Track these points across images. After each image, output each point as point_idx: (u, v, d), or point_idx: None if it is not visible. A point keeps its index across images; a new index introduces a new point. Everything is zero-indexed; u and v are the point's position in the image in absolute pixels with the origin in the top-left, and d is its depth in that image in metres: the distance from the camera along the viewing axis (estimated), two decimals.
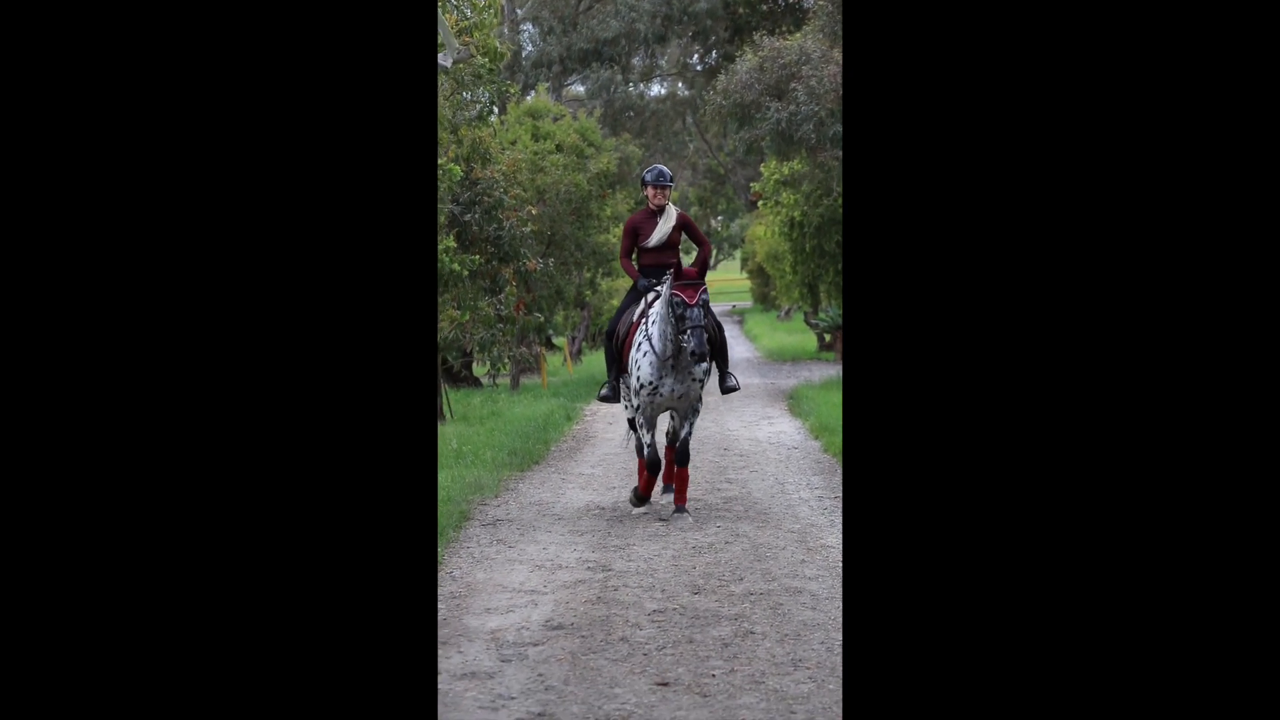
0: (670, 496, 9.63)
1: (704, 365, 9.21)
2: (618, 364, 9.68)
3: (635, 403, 9.41)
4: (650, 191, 9.77)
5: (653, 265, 9.61)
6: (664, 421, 10.38)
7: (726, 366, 9.73)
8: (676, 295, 8.96)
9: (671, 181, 9.87)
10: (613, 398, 9.82)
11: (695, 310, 8.88)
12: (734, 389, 9.72)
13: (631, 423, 9.93)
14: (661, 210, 9.75)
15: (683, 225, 9.77)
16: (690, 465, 10.03)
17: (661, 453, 9.78)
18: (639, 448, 9.72)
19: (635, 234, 9.72)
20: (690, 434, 9.40)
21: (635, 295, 9.78)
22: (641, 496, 9.54)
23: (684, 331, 8.90)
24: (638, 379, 9.25)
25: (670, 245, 9.68)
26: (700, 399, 9.41)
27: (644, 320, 9.37)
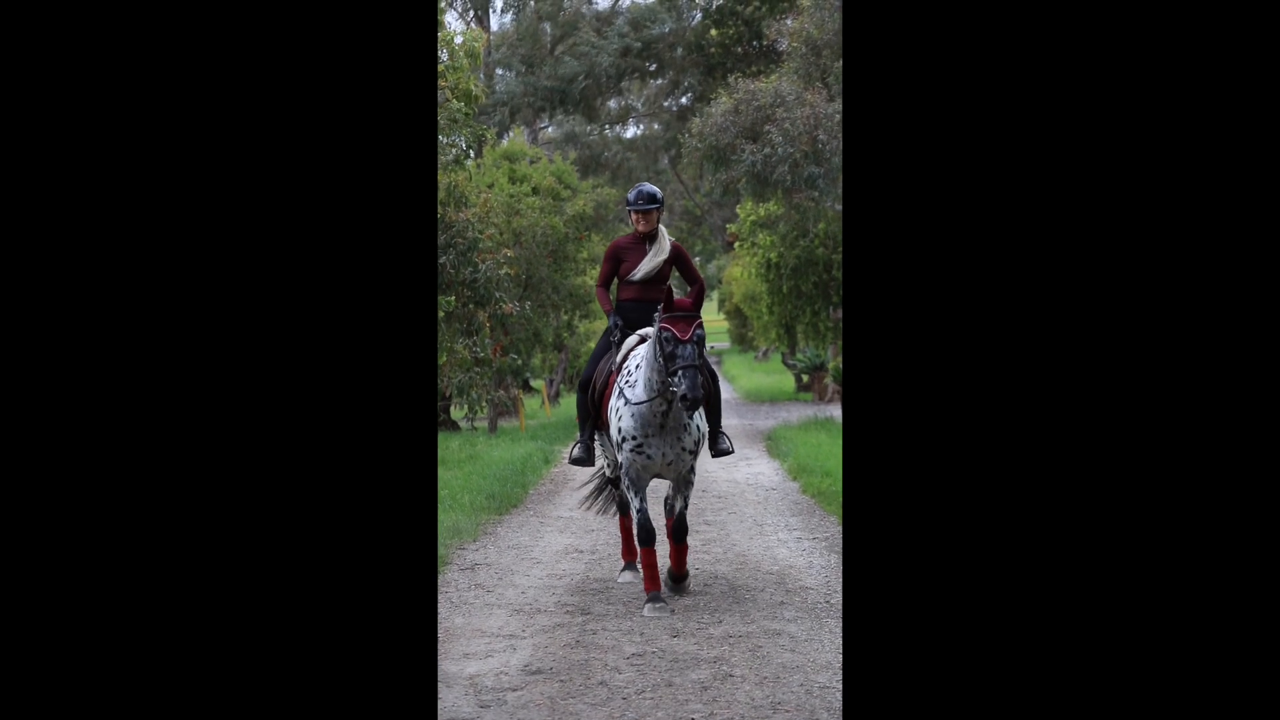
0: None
1: (695, 435, 7.71)
2: (593, 419, 8.21)
3: (619, 459, 7.91)
4: (634, 216, 8.19)
5: (635, 301, 8.21)
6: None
7: (719, 425, 8.14)
8: (666, 329, 7.34)
9: (660, 202, 8.21)
10: (586, 459, 8.31)
11: (688, 348, 7.25)
12: (726, 452, 8.16)
13: (610, 483, 8.79)
14: (651, 237, 8.22)
15: (675, 259, 8.26)
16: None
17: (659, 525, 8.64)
18: (621, 505, 8.48)
19: (617, 261, 8.24)
20: (686, 507, 7.98)
21: (609, 342, 8.33)
22: (630, 565, 8.39)
23: (674, 373, 7.26)
24: (619, 430, 7.72)
25: (659, 279, 8.20)
26: (693, 470, 7.89)
27: (623, 370, 7.88)
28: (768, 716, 5.58)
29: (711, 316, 54.93)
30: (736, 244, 29.02)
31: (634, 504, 7.80)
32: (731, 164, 20.16)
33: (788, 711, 5.62)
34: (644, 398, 7.57)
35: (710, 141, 20.34)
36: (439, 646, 6.82)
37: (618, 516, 8.59)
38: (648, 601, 7.66)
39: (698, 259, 52.30)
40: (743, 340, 43.63)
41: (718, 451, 8.10)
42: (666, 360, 7.34)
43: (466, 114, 13.84)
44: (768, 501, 12.31)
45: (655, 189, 8.25)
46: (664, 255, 8.17)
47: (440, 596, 8.09)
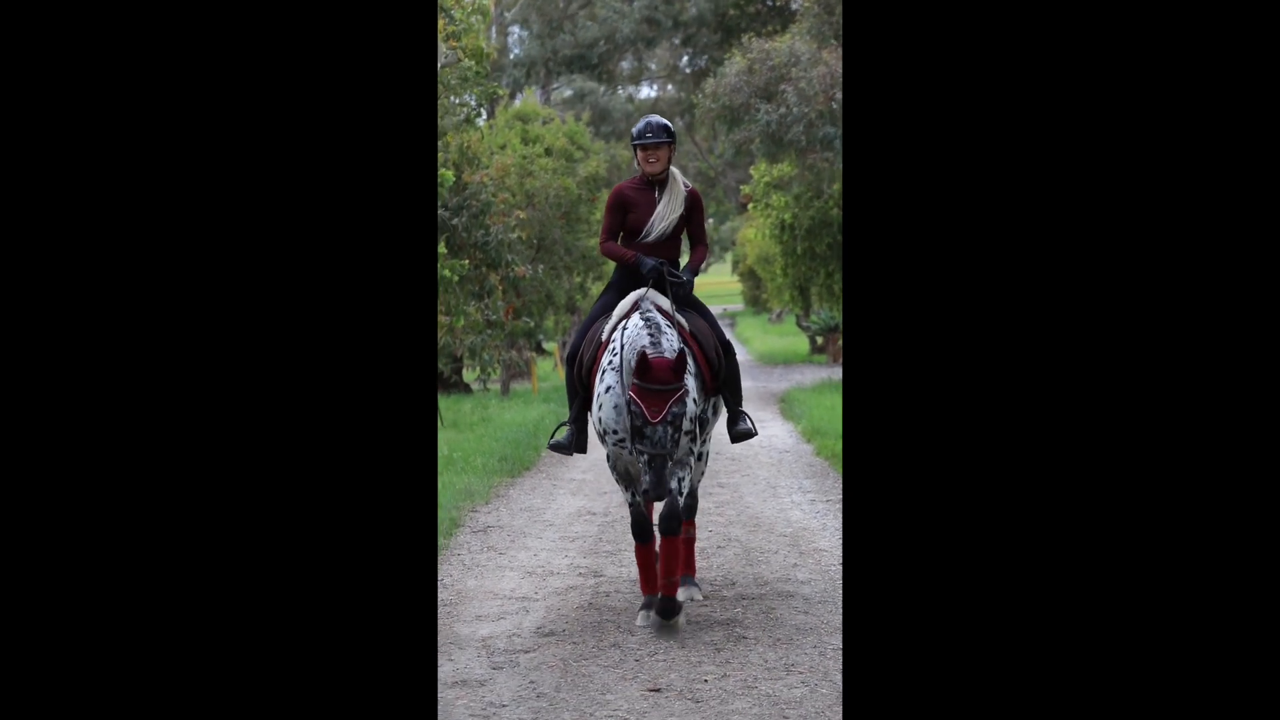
0: (689, 591, 6.76)
1: (690, 412, 6.12)
2: (581, 398, 6.63)
3: (605, 451, 6.51)
4: (640, 155, 6.53)
5: None
6: None
7: (739, 402, 6.69)
8: (635, 403, 5.94)
9: (671, 136, 6.54)
10: (566, 446, 6.66)
11: (658, 430, 5.89)
12: (748, 434, 6.62)
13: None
14: (662, 183, 6.56)
15: (690, 209, 6.63)
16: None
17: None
18: (638, 528, 6.49)
19: (623, 211, 6.58)
20: (684, 493, 6.33)
21: (609, 301, 6.73)
22: (651, 599, 6.37)
23: (641, 454, 5.95)
24: (599, 420, 6.32)
25: (674, 236, 6.64)
26: (694, 452, 6.44)
27: (614, 340, 6.33)
28: (781, 678, 5.56)
29: (725, 279, 54.83)
30: (750, 205, 28.90)
31: (625, 498, 6.52)
32: (745, 124, 20.05)
33: (801, 673, 5.60)
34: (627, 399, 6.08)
35: (724, 102, 20.23)
36: (451, 609, 6.81)
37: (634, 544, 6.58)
38: (641, 608, 6.39)
39: (710, 220, 51.85)
40: (756, 302, 43.54)
41: (737, 434, 6.65)
42: (634, 436, 5.99)
43: (478, 73, 13.73)
44: (781, 464, 12.29)
45: (666, 120, 6.61)
46: (680, 208, 6.56)
47: (452, 559, 8.08)
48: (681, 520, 6.33)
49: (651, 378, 5.92)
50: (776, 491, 10.53)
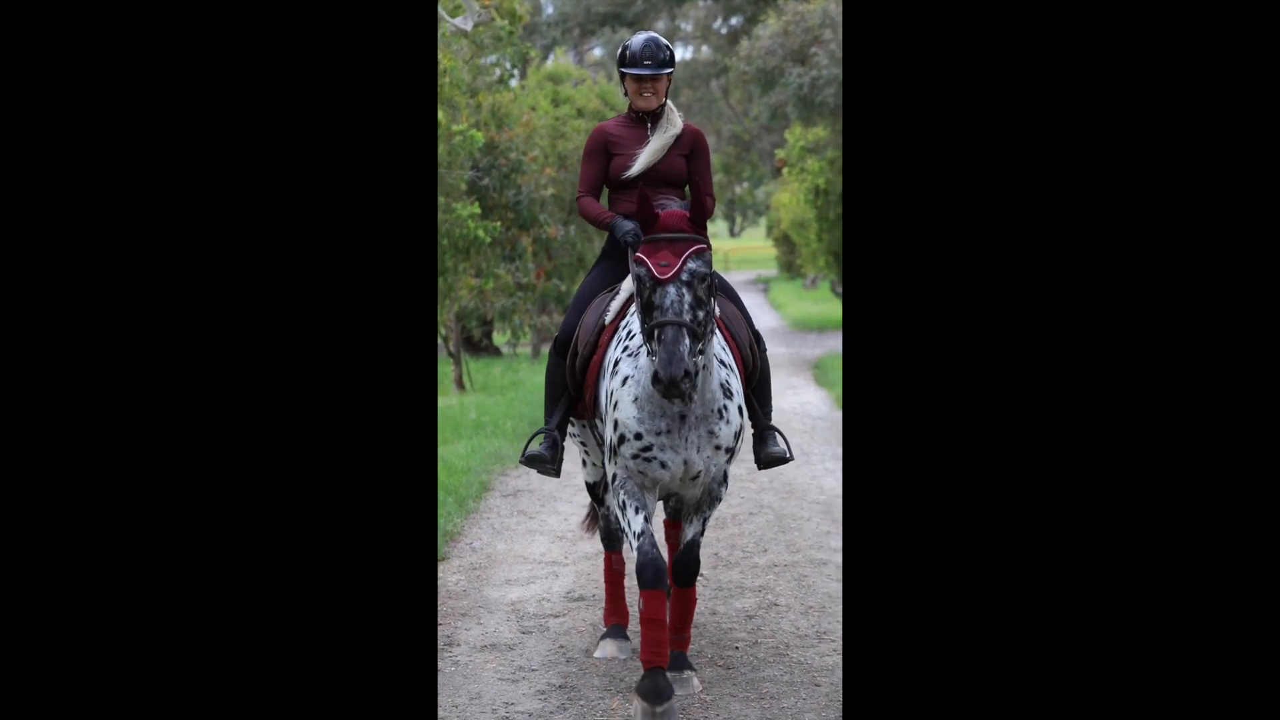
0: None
1: (736, 425, 4.82)
2: (571, 396, 5.25)
3: (611, 469, 4.92)
4: (631, 87, 5.20)
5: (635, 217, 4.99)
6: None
7: (768, 413, 5.26)
8: (641, 262, 4.62)
9: (670, 62, 5.18)
10: (545, 459, 5.24)
11: (670, 292, 4.53)
12: (780, 459, 5.19)
13: (593, 489, 5.70)
14: (654, 116, 5.23)
15: (693, 150, 5.26)
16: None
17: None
18: (606, 535, 5.53)
19: (607, 156, 5.25)
20: (702, 534, 5.03)
21: (605, 272, 5.37)
22: (615, 628, 5.49)
23: (650, 333, 4.56)
24: (615, 425, 4.84)
25: (671, 180, 5.23)
26: (726, 478, 4.96)
27: (622, 329, 4.99)
28: (812, 645, 5.51)
29: (759, 243, 54.48)
30: (785, 169, 28.74)
31: (631, 528, 4.82)
32: (779, 87, 19.89)
33: (833, 641, 5.54)
34: (650, 375, 4.63)
35: (758, 64, 20.06)
36: (481, 573, 6.78)
37: (605, 557, 5.58)
38: (602, 637, 5.43)
39: (745, 184, 50.99)
40: (790, 268, 43.36)
41: (767, 458, 5.21)
42: (644, 313, 4.60)
43: (510, 32, 13.60)
44: (814, 430, 12.20)
45: (665, 41, 5.27)
46: (675, 129, 5.21)
47: (482, 522, 8.05)
48: (698, 570, 5.06)
49: (661, 226, 4.63)
50: (809, 458, 10.45)
